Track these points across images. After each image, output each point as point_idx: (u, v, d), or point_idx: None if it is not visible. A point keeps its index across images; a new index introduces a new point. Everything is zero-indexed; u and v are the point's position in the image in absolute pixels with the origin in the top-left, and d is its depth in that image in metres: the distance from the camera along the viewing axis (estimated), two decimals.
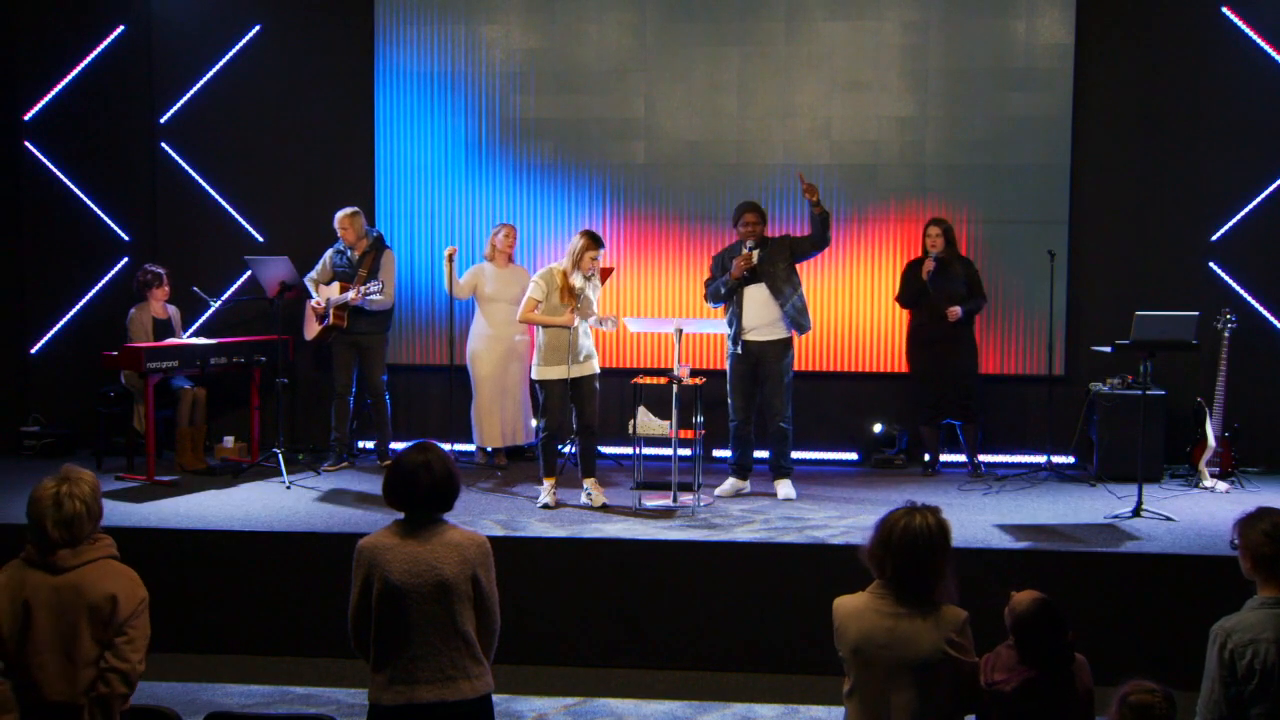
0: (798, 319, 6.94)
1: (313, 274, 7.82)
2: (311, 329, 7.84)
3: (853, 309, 8.16)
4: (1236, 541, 3.48)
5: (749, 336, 6.90)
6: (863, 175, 8.13)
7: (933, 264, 7.42)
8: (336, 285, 7.69)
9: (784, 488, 6.98)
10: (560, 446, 6.92)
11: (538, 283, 6.66)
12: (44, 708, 3.39)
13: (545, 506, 6.60)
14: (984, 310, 7.70)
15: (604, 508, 6.57)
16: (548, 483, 6.71)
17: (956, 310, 7.39)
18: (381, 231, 7.99)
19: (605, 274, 7.01)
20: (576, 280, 6.61)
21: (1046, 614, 3.35)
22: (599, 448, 7.87)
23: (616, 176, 8.28)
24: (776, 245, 6.98)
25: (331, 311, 7.63)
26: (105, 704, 3.38)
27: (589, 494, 6.69)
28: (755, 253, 6.88)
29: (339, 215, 7.69)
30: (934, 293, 7.44)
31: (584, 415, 6.73)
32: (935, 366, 7.55)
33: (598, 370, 6.79)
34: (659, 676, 5.61)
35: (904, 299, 7.68)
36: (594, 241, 6.63)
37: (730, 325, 6.96)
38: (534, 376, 6.78)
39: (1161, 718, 3.06)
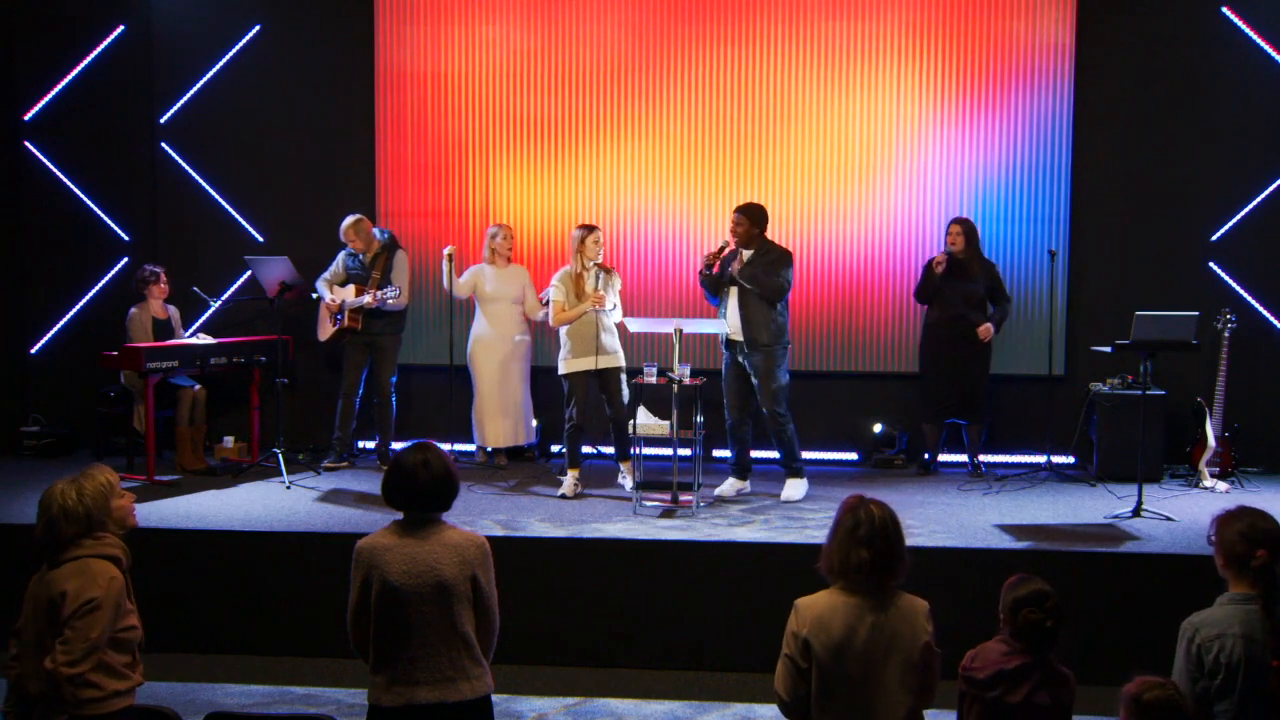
0: (753, 334, 6.73)
1: (326, 275, 7.82)
2: (325, 330, 7.83)
3: (853, 309, 8.16)
4: (1213, 538, 3.51)
5: (734, 336, 6.88)
6: (862, 175, 8.12)
7: (944, 258, 7.42)
8: (351, 288, 7.69)
9: (787, 488, 6.94)
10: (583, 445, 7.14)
11: (557, 285, 7.01)
12: (28, 700, 3.46)
13: (564, 496, 6.82)
14: (1010, 314, 7.71)
15: (611, 498, 6.63)
16: (571, 474, 6.93)
17: (988, 328, 7.41)
18: (394, 232, 7.99)
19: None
20: (589, 279, 6.92)
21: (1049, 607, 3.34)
22: (599, 448, 7.93)
23: (616, 176, 8.28)
24: (763, 256, 6.79)
25: (346, 314, 7.63)
26: (42, 703, 3.40)
27: (623, 475, 7.03)
28: (724, 248, 6.89)
29: (343, 226, 7.67)
30: (946, 290, 7.44)
31: (614, 406, 7.00)
32: (946, 364, 7.55)
33: (623, 364, 7.05)
34: (659, 676, 5.61)
35: (919, 295, 7.70)
36: (588, 229, 7.01)
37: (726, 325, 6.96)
38: (560, 371, 7.03)
39: (1180, 709, 3.06)
